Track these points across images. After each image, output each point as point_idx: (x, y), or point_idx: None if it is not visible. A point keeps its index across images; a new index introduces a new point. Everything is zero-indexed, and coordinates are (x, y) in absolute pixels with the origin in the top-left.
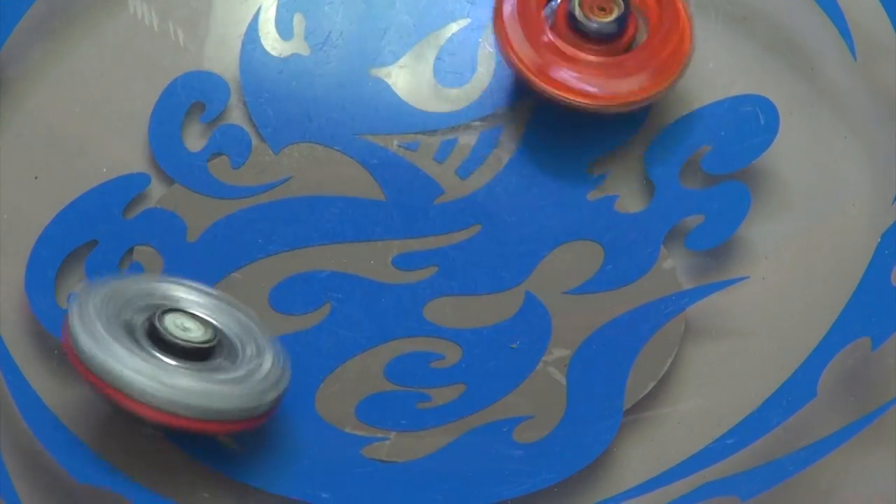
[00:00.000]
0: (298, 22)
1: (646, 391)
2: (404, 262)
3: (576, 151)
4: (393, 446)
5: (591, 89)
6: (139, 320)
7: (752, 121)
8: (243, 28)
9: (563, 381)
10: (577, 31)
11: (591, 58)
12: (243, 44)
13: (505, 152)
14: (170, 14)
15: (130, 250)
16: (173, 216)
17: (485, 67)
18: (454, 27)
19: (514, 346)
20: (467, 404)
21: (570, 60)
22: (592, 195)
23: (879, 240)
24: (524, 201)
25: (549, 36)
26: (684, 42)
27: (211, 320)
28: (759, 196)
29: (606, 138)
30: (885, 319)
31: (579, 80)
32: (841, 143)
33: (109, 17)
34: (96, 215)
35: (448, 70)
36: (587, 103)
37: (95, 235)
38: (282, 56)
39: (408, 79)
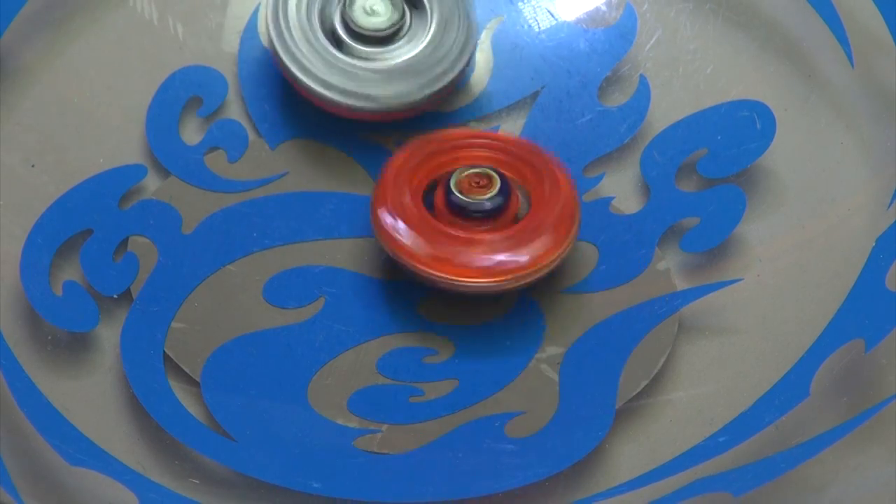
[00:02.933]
0: None
1: (639, 388)
2: None
3: (572, 153)
4: (385, 438)
5: (497, 264)
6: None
7: (749, 126)
8: (242, 24)
9: (556, 378)
10: (458, 211)
11: (484, 236)
12: (242, 39)
13: None
14: (169, 8)
15: (125, 240)
16: (169, 208)
17: (483, 68)
18: None
19: (509, 343)
20: (459, 399)
21: (467, 243)
22: (588, 196)
23: (875, 243)
24: None
25: (430, 219)
26: (568, 207)
27: None
28: (756, 196)
29: (602, 140)
30: (878, 322)
31: (482, 259)
32: (838, 147)
33: (109, 10)
34: (92, 205)
35: None
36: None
37: (91, 225)
38: None
39: None
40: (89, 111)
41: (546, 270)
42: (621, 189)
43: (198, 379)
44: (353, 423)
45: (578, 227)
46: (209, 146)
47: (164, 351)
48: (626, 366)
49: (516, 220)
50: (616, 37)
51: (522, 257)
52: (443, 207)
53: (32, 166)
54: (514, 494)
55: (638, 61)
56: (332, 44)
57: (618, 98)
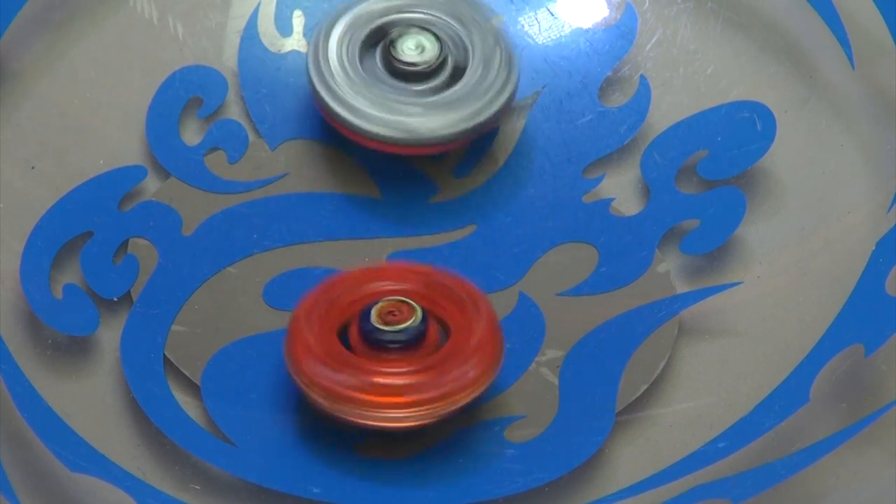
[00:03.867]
0: (297, 18)
1: (638, 393)
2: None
3: (572, 154)
4: (385, 443)
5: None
6: (375, 39)
7: (749, 127)
8: (242, 23)
9: (556, 381)
10: (374, 344)
11: (396, 368)
12: (242, 39)
13: (501, 153)
14: (169, 8)
15: (125, 242)
16: (169, 209)
17: None
18: None
19: (508, 345)
20: None
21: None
22: (588, 197)
23: (875, 247)
24: (520, 202)
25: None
26: (489, 338)
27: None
28: (756, 199)
29: (603, 141)
30: (878, 326)
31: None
32: (838, 149)
33: (110, 11)
34: (92, 207)
35: None
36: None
37: (91, 227)
38: (280, 52)
39: None
40: (89, 113)
41: (462, 403)
42: (621, 190)
43: (198, 382)
44: (354, 427)
45: (501, 356)
46: (209, 147)
47: (164, 354)
48: (626, 369)
49: (435, 351)
50: (616, 37)
51: (435, 390)
52: (358, 342)
53: (32, 168)
54: (514, 500)
55: (638, 62)
56: (373, 80)
57: (618, 98)
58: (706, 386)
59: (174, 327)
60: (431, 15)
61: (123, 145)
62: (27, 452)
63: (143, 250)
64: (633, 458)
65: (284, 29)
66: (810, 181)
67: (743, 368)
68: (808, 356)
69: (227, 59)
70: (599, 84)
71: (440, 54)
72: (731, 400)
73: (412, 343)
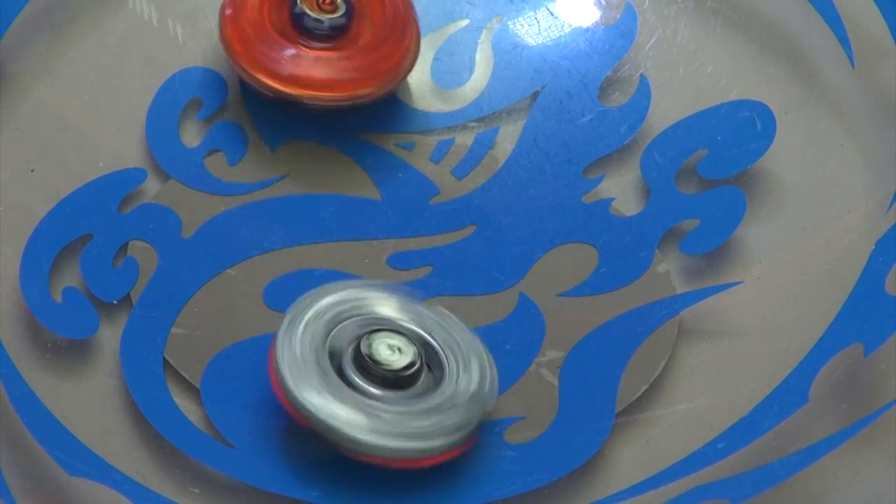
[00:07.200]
0: None
1: (638, 394)
2: (398, 261)
3: (572, 154)
4: None
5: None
6: (346, 342)
7: (749, 126)
8: None
9: (556, 382)
10: (299, 26)
11: (315, 53)
12: None
13: (501, 153)
14: (169, 10)
15: (125, 245)
16: (169, 212)
17: (483, 68)
18: (453, 28)
19: (508, 346)
20: None
21: (294, 55)
22: (588, 198)
23: (874, 246)
24: (519, 203)
25: (272, 32)
26: (406, 39)
27: (416, 339)
28: (756, 199)
29: (603, 141)
30: (878, 326)
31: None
32: (838, 149)
33: (109, 13)
34: (92, 209)
35: (446, 70)
36: (311, 94)
37: (90, 230)
38: None
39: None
40: (89, 115)
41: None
42: (621, 190)
43: (198, 385)
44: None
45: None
46: (209, 149)
47: (163, 357)
48: (626, 369)
49: (356, 43)
50: (616, 36)
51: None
52: (287, 20)
53: (32, 171)
54: (514, 501)
55: (638, 61)
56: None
57: (618, 98)
58: (706, 386)
59: (174, 330)
60: (401, 322)
61: (123, 147)
62: (26, 456)
63: (143, 253)
64: (632, 458)
65: None
66: (810, 181)
67: (742, 369)
68: (808, 356)
69: (226, 60)
70: (599, 84)
71: (416, 357)
72: (730, 400)
73: (335, 32)
